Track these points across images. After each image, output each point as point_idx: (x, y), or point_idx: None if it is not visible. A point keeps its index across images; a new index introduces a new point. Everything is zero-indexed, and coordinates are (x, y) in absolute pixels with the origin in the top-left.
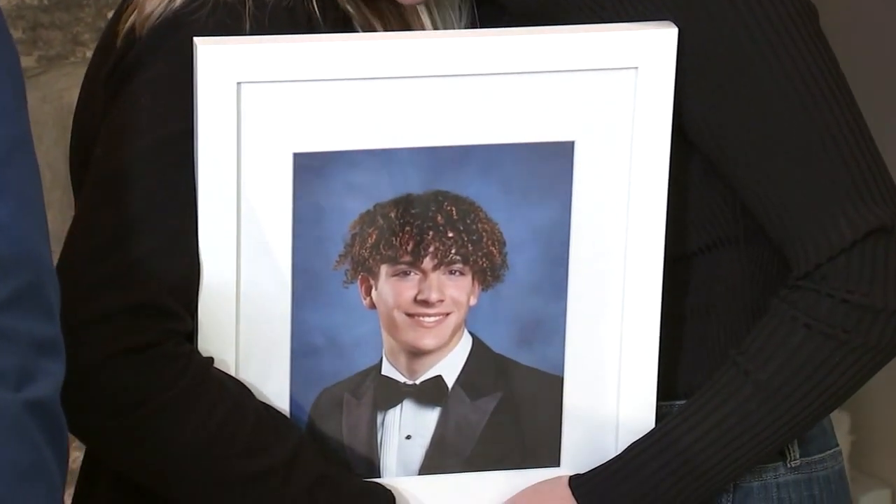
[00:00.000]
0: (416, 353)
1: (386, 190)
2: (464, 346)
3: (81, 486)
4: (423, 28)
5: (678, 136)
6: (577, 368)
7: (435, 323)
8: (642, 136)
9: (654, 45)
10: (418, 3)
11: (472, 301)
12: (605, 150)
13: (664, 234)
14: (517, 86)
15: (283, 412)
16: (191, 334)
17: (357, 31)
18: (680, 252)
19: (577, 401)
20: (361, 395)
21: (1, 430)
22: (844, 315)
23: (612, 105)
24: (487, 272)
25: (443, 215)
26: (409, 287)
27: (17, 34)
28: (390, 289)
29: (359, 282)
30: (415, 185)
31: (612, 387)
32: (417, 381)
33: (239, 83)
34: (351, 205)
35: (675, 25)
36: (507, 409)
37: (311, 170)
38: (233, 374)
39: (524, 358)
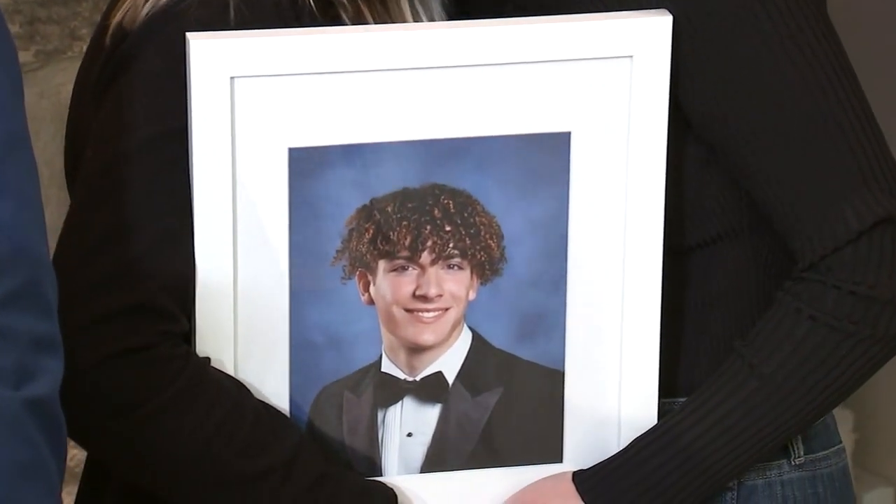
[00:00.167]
0: (415, 350)
1: (382, 184)
2: (464, 342)
3: (84, 491)
4: (405, 19)
5: (683, 126)
6: (577, 362)
7: (434, 318)
8: (639, 126)
9: (649, 34)
10: None
11: (472, 295)
12: (602, 141)
13: (663, 224)
14: (512, 77)
15: (283, 411)
16: (187, 335)
17: (345, 23)
18: (683, 245)
19: (578, 395)
20: (361, 393)
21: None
22: (851, 307)
23: (607, 94)
24: (486, 266)
25: (440, 209)
26: (407, 282)
27: (14, 29)
28: (388, 284)
29: (357, 277)
30: (411, 178)
31: (613, 381)
32: (417, 378)
33: (232, 78)
34: (347, 200)
35: (669, 13)
36: (508, 404)
37: (306, 165)
38: (231, 373)
39: (524, 352)
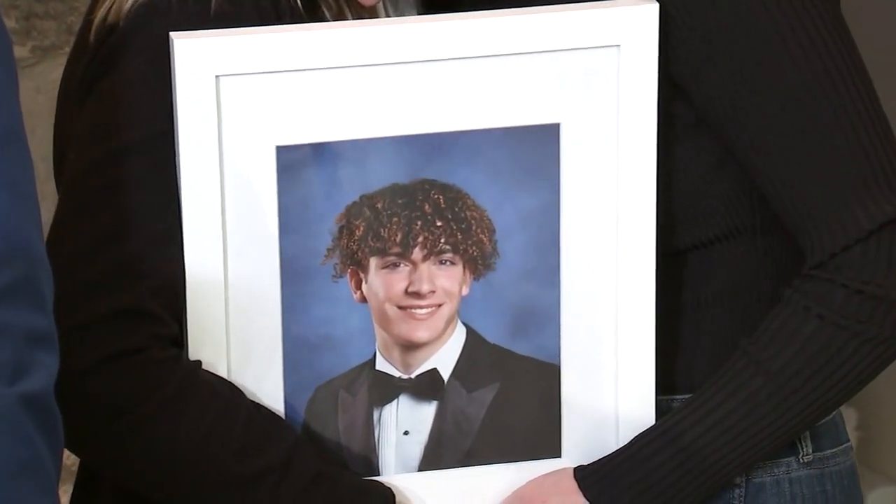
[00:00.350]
0: (409, 347)
1: (371, 180)
2: (458, 338)
3: (79, 493)
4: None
5: (694, 123)
6: (573, 356)
7: (427, 315)
8: (628, 115)
9: (636, 22)
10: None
11: (465, 291)
12: (592, 131)
13: (655, 215)
14: (499, 69)
15: (278, 412)
16: (177, 338)
17: (325, 17)
18: (686, 243)
19: (575, 389)
20: (356, 392)
21: None
22: (858, 306)
23: (595, 85)
24: (478, 261)
25: (430, 204)
26: (399, 279)
27: (10, 24)
28: (381, 281)
29: (348, 275)
30: (400, 174)
31: (610, 374)
32: (412, 375)
33: (218, 76)
34: (337, 197)
35: (656, 1)
36: (504, 400)
37: (294, 162)
38: (225, 375)
39: (519, 347)
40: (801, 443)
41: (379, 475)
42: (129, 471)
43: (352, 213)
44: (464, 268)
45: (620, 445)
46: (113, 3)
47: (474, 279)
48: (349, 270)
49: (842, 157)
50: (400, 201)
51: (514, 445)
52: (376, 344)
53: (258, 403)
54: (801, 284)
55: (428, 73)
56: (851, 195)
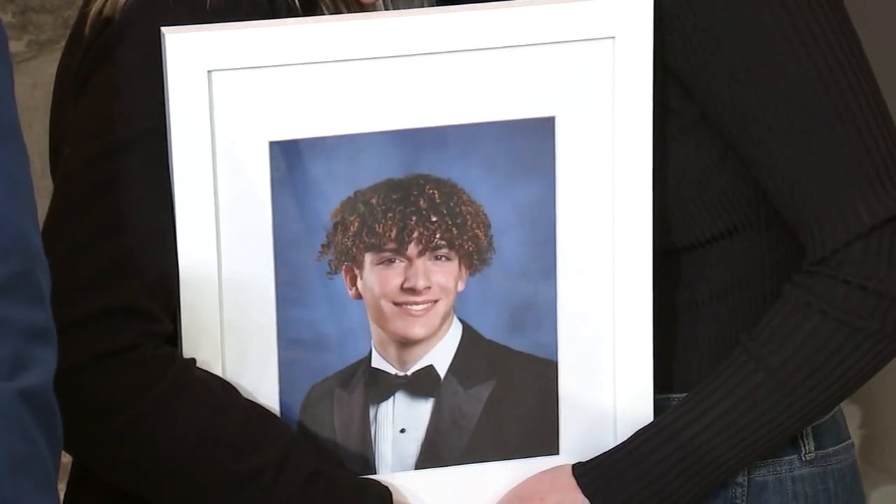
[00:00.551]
0: (405, 343)
1: (366, 176)
2: (454, 334)
3: (71, 490)
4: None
5: (696, 118)
6: (571, 352)
7: (423, 311)
8: (624, 107)
9: (631, 14)
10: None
11: (460, 287)
12: (587, 124)
13: (652, 208)
14: (493, 62)
15: (273, 410)
16: (171, 336)
17: (322, 13)
18: (686, 241)
19: (572, 385)
20: (352, 389)
21: None
22: (860, 302)
23: (590, 77)
24: (474, 256)
25: (425, 199)
26: (394, 275)
27: (6, 18)
28: (376, 278)
29: (343, 272)
30: (395, 169)
31: (607, 369)
32: (409, 372)
33: (210, 71)
34: (331, 192)
35: None
36: (501, 396)
37: (288, 158)
38: (219, 373)
39: (516, 343)
40: (802, 441)
41: (375, 473)
42: (123, 470)
43: (346, 208)
44: (459, 263)
45: (619, 442)
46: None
47: (470, 275)
48: (344, 267)
49: (844, 153)
50: (394, 196)
51: (512, 442)
52: (372, 341)
53: (253, 401)
54: (803, 280)
55: (421, 66)
56: (853, 190)
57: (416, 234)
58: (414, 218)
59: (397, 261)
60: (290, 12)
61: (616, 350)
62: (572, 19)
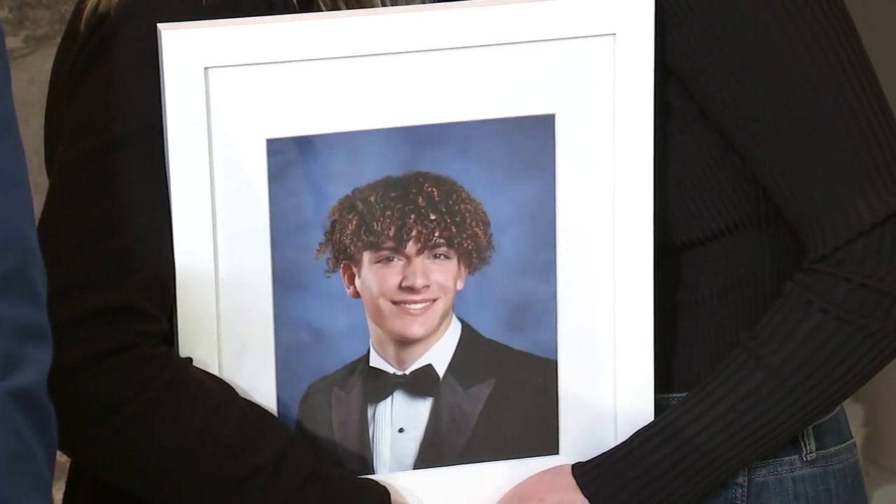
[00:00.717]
0: (404, 343)
1: (364, 173)
2: (453, 333)
3: (70, 489)
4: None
5: (696, 117)
6: (571, 351)
7: (422, 310)
8: (625, 105)
9: (632, 10)
10: None
11: (459, 285)
12: (588, 122)
13: (652, 206)
14: (493, 59)
15: (270, 410)
16: (167, 335)
17: (320, 9)
18: (686, 239)
19: (572, 385)
20: (350, 389)
21: None
22: (861, 300)
23: (591, 74)
24: (473, 254)
25: (424, 197)
26: (393, 273)
27: (3, 13)
28: (374, 276)
29: (341, 270)
30: (393, 166)
31: (608, 368)
32: (407, 372)
33: (206, 68)
34: (329, 190)
35: None
36: (501, 396)
37: (285, 156)
38: (216, 372)
39: (516, 342)
40: (803, 440)
41: (374, 473)
42: (119, 471)
43: (344, 206)
44: (458, 262)
45: (619, 442)
46: None
47: (469, 273)
48: (342, 265)
49: (844, 150)
50: (393, 194)
51: (511, 442)
52: (370, 340)
53: (250, 401)
54: (803, 278)
55: (420, 63)
56: (854, 188)
57: (414, 233)
58: (413, 216)
59: (396, 259)
60: (287, 8)
61: (616, 349)
62: (573, 16)
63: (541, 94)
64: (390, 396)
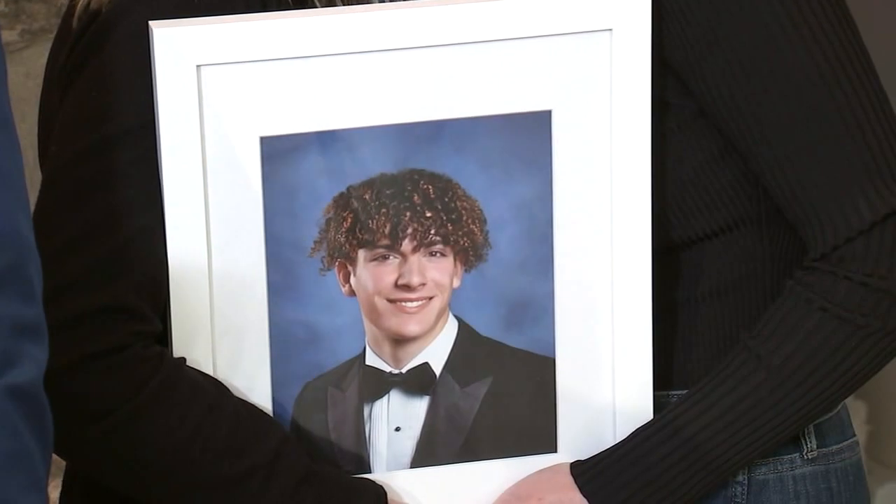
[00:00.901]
0: (400, 341)
1: (359, 171)
2: (449, 331)
3: (67, 486)
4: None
5: (695, 115)
6: (569, 349)
7: (418, 308)
8: (622, 101)
9: (628, 5)
10: None
11: (456, 283)
12: (585, 118)
13: (650, 203)
14: (488, 55)
15: (265, 409)
16: (160, 335)
17: (314, 6)
18: (686, 236)
19: (571, 383)
20: (346, 388)
21: None
22: (862, 298)
23: (588, 70)
24: (469, 252)
25: (420, 194)
26: (388, 272)
27: None
28: (369, 274)
29: (336, 268)
30: (388, 164)
31: (606, 367)
32: (403, 370)
33: (199, 66)
34: (323, 188)
35: None
36: (498, 394)
37: (279, 154)
38: (210, 372)
39: (513, 340)
40: (804, 438)
41: (370, 472)
42: (113, 472)
43: (339, 204)
44: (455, 259)
45: (618, 440)
46: None
47: (466, 271)
48: (337, 263)
49: (845, 148)
50: (388, 192)
51: (509, 440)
52: (366, 338)
53: (245, 401)
54: (804, 276)
55: (416, 60)
56: (854, 186)
57: (410, 230)
58: (408, 213)
59: (391, 257)
60: (281, 5)
61: (615, 346)
62: (569, 11)
63: (537, 91)
64: (386, 395)
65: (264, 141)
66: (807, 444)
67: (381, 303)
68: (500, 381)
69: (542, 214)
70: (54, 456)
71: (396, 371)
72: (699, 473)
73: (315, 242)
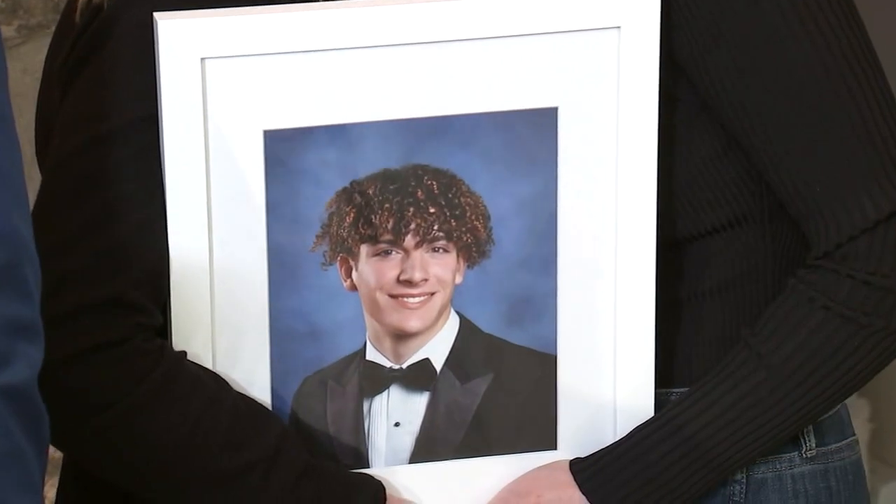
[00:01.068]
0: (401, 336)
1: (362, 166)
2: (451, 327)
3: (64, 483)
4: None
5: (698, 111)
6: (570, 346)
7: (420, 304)
8: (629, 99)
9: (637, 3)
10: None
11: (458, 279)
12: (591, 116)
13: (655, 201)
14: (495, 51)
15: (265, 404)
16: (161, 329)
17: None
18: (688, 233)
19: (572, 380)
20: (346, 383)
21: None
22: (865, 297)
23: (595, 68)
24: (472, 248)
25: (423, 190)
26: (391, 267)
27: None
28: (371, 269)
29: (338, 263)
30: (392, 159)
31: (608, 364)
32: (404, 366)
33: (203, 59)
34: (326, 183)
35: None
36: (498, 391)
37: (283, 148)
38: (210, 365)
39: (515, 337)
40: (803, 437)
41: (369, 467)
42: (112, 465)
43: (342, 199)
44: (457, 255)
45: (618, 438)
46: None
47: (468, 267)
48: (339, 258)
49: (849, 145)
50: (392, 187)
51: (509, 437)
52: (367, 333)
53: (244, 395)
54: (806, 275)
55: (422, 55)
56: (859, 183)
57: (413, 226)
58: (411, 209)
59: (394, 252)
60: None
61: (617, 344)
62: (577, 8)
63: (544, 87)
64: (386, 390)
65: (268, 135)
66: (806, 443)
67: (382, 298)
68: (500, 377)
69: (547, 211)
70: (50, 454)
71: (397, 366)
72: (699, 472)
73: (317, 237)
